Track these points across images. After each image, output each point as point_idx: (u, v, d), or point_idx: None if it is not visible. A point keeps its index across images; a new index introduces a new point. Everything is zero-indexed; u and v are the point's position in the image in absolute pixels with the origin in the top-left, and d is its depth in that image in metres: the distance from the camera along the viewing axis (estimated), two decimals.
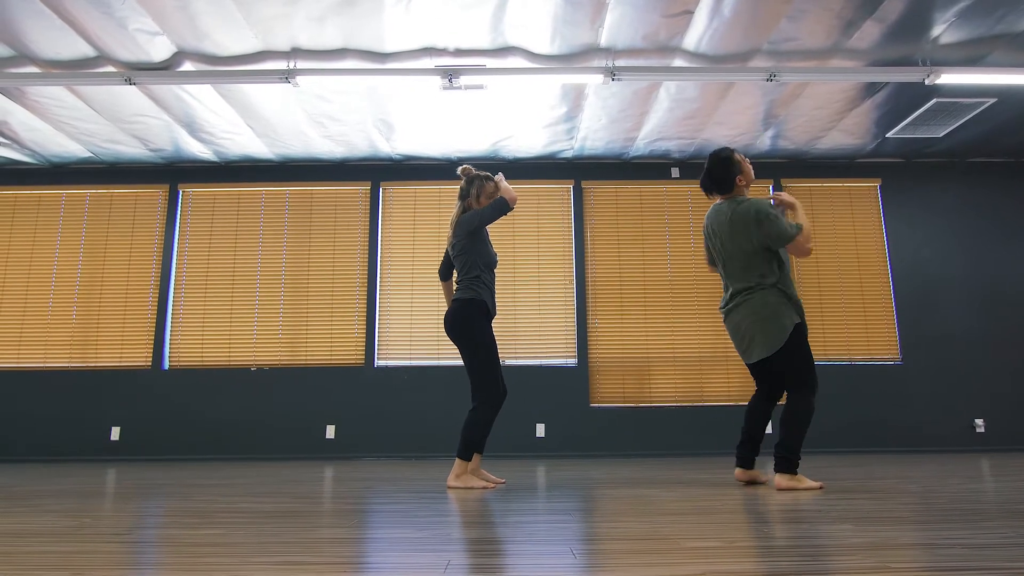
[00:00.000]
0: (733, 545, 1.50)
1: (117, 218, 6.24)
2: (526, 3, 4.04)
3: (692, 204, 6.33)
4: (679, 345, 6.04)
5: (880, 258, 6.23)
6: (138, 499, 2.62)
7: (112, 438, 5.77)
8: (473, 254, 3.16)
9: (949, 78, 4.64)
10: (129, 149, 5.95)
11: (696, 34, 4.36)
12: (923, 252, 6.21)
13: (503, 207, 3.15)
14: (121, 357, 5.97)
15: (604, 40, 4.43)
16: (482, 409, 3.03)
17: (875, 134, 5.84)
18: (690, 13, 4.15)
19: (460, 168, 3.39)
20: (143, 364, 5.95)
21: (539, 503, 2.40)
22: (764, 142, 6.01)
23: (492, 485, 3.05)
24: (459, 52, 4.56)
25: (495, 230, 6.21)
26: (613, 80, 4.67)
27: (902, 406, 5.90)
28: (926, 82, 4.66)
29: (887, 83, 4.96)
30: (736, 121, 5.59)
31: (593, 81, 4.68)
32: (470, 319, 3.07)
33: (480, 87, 4.96)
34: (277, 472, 4.14)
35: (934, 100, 5.19)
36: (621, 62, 4.66)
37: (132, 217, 6.24)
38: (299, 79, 4.61)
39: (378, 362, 5.98)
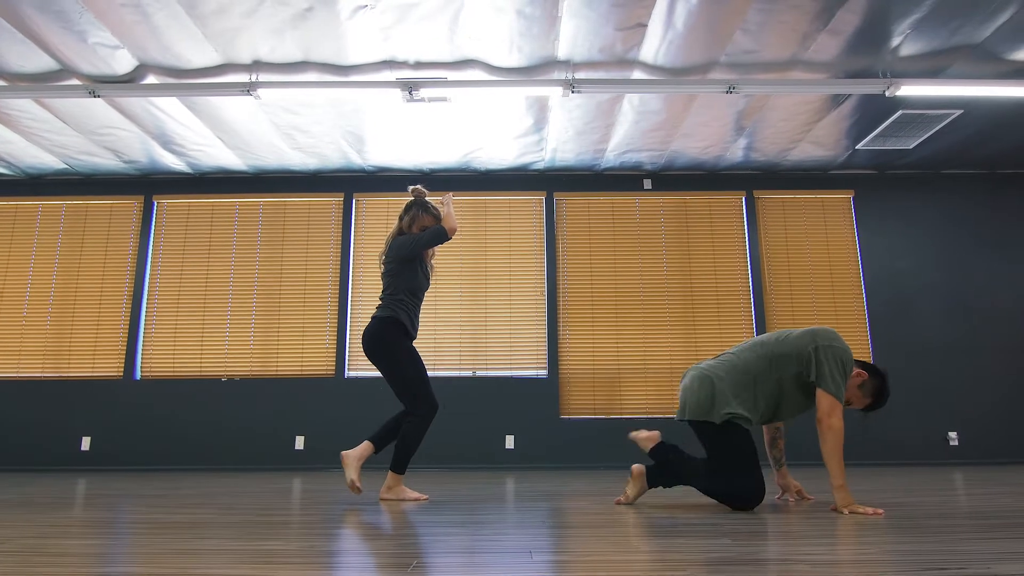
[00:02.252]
0: (584, 558, 1.49)
1: (92, 229, 6.29)
2: (480, 16, 4.07)
3: (664, 215, 6.33)
4: (650, 357, 6.02)
5: (853, 270, 6.20)
6: (62, 509, 2.62)
7: (82, 448, 5.79)
8: (401, 278, 3.14)
9: (909, 90, 4.64)
10: (104, 161, 6.01)
11: (652, 47, 4.38)
12: (897, 264, 6.18)
13: (440, 236, 3.12)
14: (93, 367, 6.00)
15: (562, 53, 4.46)
16: (417, 423, 3.02)
17: (846, 146, 5.84)
18: (644, 26, 4.16)
19: (411, 188, 3.38)
20: (115, 374, 5.98)
21: (451, 516, 2.39)
22: (736, 153, 6.01)
23: (425, 497, 3.05)
24: (419, 65, 4.60)
25: (466, 241, 6.22)
26: (573, 93, 4.69)
27: (875, 419, 5.85)
28: (887, 94, 4.66)
29: (850, 95, 4.96)
30: (703, 133, 5.59)
31: (553, 94, 4.69)
32: (387, 336, 3.05)
33: (443, 99, 4.99)
34: (236, 483, 4.14)
35: (900, 112, 5.18)
36: (581, 75, 4.68)
37: (107, 228, 6.29)
38: (261, 92, 4.65)
39: (348, 373, 5.99)
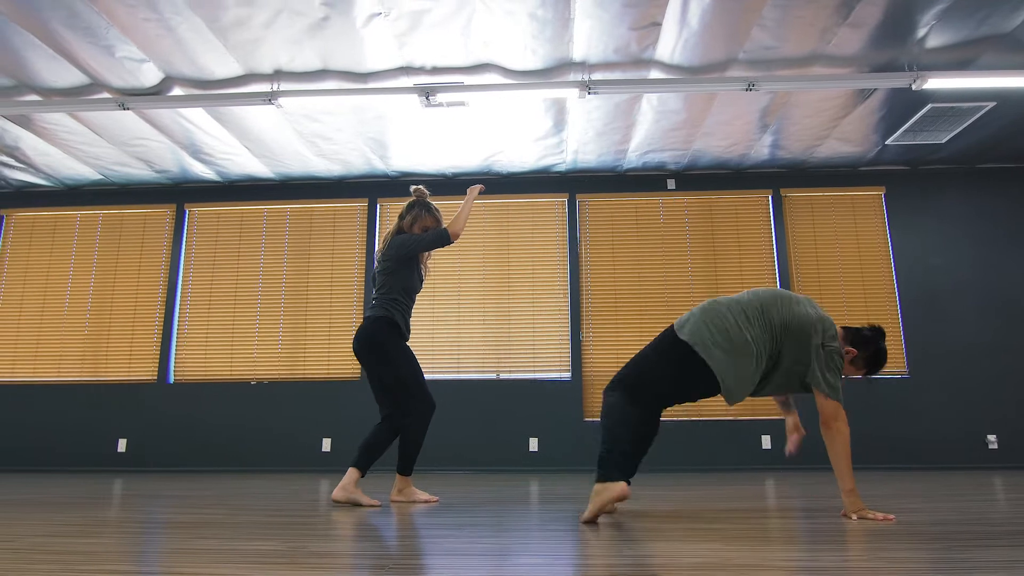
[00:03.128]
0: (559, 561, 1.49)
1: (127, 237, 6.49)
2: (491, 20, 4.08)
3: (689, 215, 6.26)
4: None
5: (885, 268, 6.04)
6: (81, 509, 2.71)
7: (119, 450, 5.97)
8: (397, 277, 3.13)
9: (937, 83, 4.50)
10: (137, 171, 6.20)
11: (668, 46, 4.34)
12: (930, 261, 6.00)
13: (442, 239, 3.09)
14: (129, 371, 6.19)
15: (577, 54, 4.45)
16: (416, 422, 3.01)
17: (875, 141, 5.69)
18: (658, 25, 4.13)
19: (413, 188, 3.39)
20: (149, 378, 6.15)
21: (455, 518, 2.41)
22: (761, 152, 5.91)
23: (435, 499, 3.07)
24: (436, 70, 4.63)
25: (489, 244, 6.25)
26: (590, 94, 4.67)
27: (909, 421, 5.69)
28: (913, 87, 4.53)
29: (875, 89, 4.84)
30: (726, 131, 5.52)
31: (570, 96, 4.68)
32: (382, 335, 3.03)
33: (461, 103, 5.02)
34: (258, 484, 4.23)
35: (929, 105, 5.04)
36: (597, 75, 4.67)
37: (141, 236, 6.49)
38: (282, 100, 4.74)
39: None
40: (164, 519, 2.38)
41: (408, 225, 3.24)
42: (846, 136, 5.61)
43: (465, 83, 4.75)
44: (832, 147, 5.81)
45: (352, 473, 2.93)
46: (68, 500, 3.13)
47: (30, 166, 6.04)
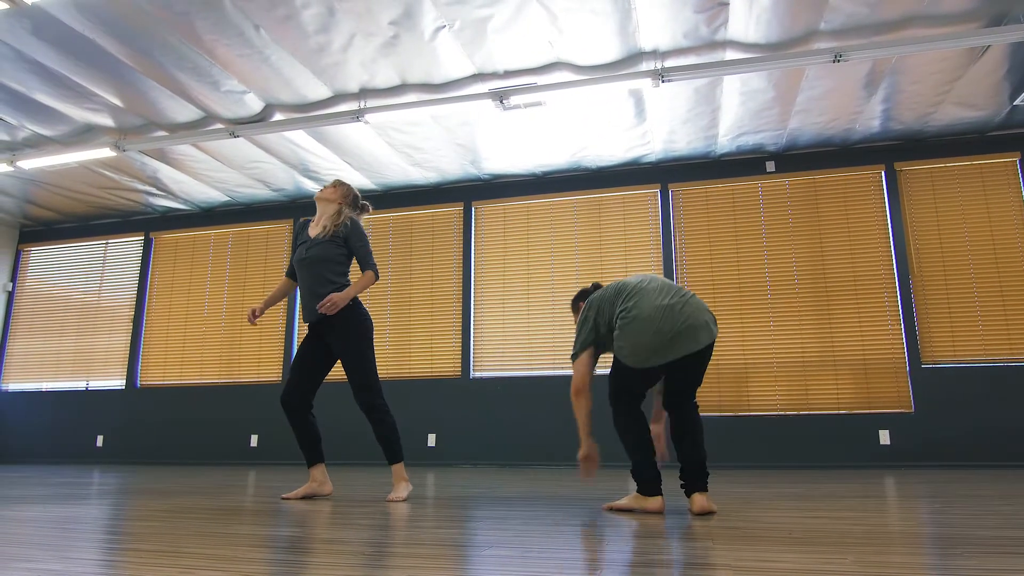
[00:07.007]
0: (538, 555, 1.52)
1: (254, 252, 7.14)
2: (552, 19, 4.12)
3: (791, 198, 5.93)
4: (780, 349, 5.68)
5: (1022, 242, 5.41)
6: (171, 497, 3.07)
7: (251, 445, 6.59)
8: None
9: None
10: (258, 191, 6.80)
11: (740, 24, 4.16)
12: None
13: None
14: (258, 373, 6.81)
15: (646, 43, 4.37)
16: None
17: (1001, 103, 5.12)
18: (725, 5, 3.98)
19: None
20: (275, 379, 6.74)
21: (492, 511, 2.49)
22: (869, 124, 5.50)
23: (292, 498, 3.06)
24: (508, 74, 4.73)
25: (581, 240, 6.26)
26: (663, 82, 4.57)
27: None
28: None
29: (988, 47, 4.36)
30: (823, 106, 5.18)
31: (643, 86, 4.61)
32: None
33: (538, 104, 5.08)
34: (354, 477, 4.54)
35: None
36: (671, 62, 4.56)
37: (265, 250, 7.11)
38: (368, 116, 5.04)
39: (474, 374, 6.26)
40: (232, 507, 2.64)
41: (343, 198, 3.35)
42: (965, 100, 5.09)
43: (538, 84, 4.81)
44: (950, 113, 5.29)
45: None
46: (179, 489, 3.53)
47: (169, 193, 6.80)
